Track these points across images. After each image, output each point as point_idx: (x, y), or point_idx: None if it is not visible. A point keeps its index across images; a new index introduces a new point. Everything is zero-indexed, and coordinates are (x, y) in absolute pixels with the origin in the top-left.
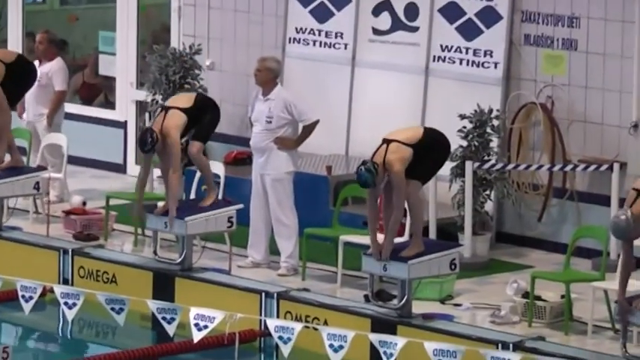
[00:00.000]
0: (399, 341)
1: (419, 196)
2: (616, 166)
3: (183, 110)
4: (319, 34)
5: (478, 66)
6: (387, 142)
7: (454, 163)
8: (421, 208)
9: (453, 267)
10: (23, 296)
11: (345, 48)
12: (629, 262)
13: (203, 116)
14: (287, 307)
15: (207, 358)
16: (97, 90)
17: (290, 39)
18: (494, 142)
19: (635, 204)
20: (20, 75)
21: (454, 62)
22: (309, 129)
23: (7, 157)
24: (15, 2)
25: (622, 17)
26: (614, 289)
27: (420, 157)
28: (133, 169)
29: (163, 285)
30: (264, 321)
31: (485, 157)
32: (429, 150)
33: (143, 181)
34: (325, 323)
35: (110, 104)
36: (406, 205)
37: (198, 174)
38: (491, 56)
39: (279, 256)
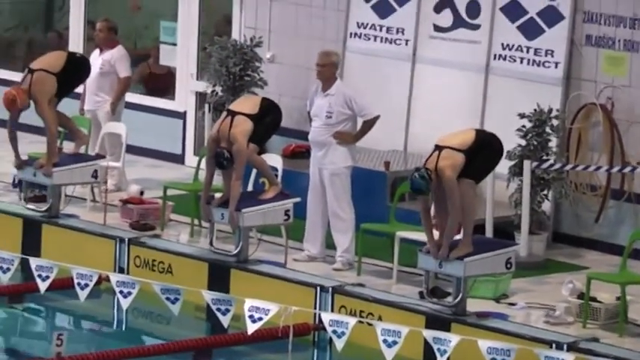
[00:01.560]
0: (453, 339)
1: (472, 195)
2: None
3: (250, 117)
4: (380, 30)
5: (539, 65)
6: (439, 148)
7: (512, 162)
8: (473, 209)
9: (508, 266)
10: (79, 284)
11: (406, 44)
12: None
13: (265, 120)
14: (342, 301)
15: (261, 351)
16: (164, 81)
17: (351, 34)
18: (553, 142)
19: None
20: (73, 74)
21: (515, 61)
22: (369, 124)
23: (71, 146)
24: None
25: None
26: None
27: (472, 161)
28: (191, 159)
29: (219, 276)
30: (319, 315)
31: (544, 157)
32: (481, 153)
33: (208, 184)
34: (379, 319)
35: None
36: None
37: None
38: (552, 56)
39: (335, 250)
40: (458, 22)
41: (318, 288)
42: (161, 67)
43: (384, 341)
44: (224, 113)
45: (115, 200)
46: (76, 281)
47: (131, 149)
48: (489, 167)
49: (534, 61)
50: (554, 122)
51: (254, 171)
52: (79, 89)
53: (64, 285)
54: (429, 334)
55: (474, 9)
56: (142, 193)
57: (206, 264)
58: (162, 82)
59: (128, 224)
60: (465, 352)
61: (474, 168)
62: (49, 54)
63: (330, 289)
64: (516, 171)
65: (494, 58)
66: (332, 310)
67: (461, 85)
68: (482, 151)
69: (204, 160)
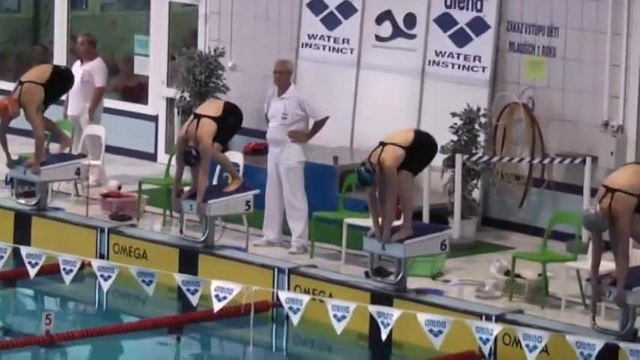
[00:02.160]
0: (395, 312)
1: (409, 185)
2: (588, 159)
3: (214, 119)
4: (328, 40)
5: (468, 70)
6: (382, 144)
7: (446, 155)
8: (411, 197)
9: (443, 247)
10: (64, 269)
11: (351, 52)
12: (598, 250)
13: (227, 121)
14: (297, 281)
15: (226, 326)
16: (137, 90)
17: (303, 44)
18: (482, 137)
19: (604, 199)
20: (58, 84)
21: (447, 66)
22: (319, 124)
23: (57, 147)
24: (60, 8)
25: (596, 27)
26: (585, 268)
27: (412, 156)
28: (163, 157)
29: (188, 260)
30: (277, 293)
31: (473, 151)
32: (419, 150)
33: (178, 179)
34: (330, 296)
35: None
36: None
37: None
38: (480, 61)
39: (290, 236)
40: (396, 33)
41: (276, 269)
42: (132, 80)
43: (335, 316)
44: (191, 116)
45: (96, 194)
46: (62, 267)
47: (110, 149)
48: (426, 162)
49: (464, 66)
50: (482, 120)
51: (218, 167)
52: (63, 97)
53: (51, 270)
54: (373, 309)
55: (410, 20)
56: (119, 187)
57: (177, 250)
58: (134, 92)
59: (108, 215)
60: (406, 324)
61: (413, 162)
62: (37, 67)
63: (287, 270)
64: (449, 163)
65: (429, 64)
66: (288, 289)
67: (400, 88)
68: (420, 148)
69: (174, 158)
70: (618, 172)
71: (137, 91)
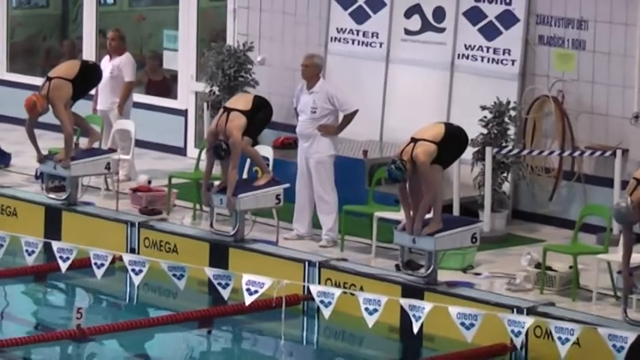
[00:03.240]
0: (426, 306)
1: (440, 179)
2: (619, 152)
3: (244, 113)
4: (357, 34)
5: (497, 63)
6: (414, 140)
7: (476, 149)
8: (441, 190)
9: (474, 240)
10: (96, 263)
11: (380, 46)
12: (629, 242)
13: (257, 115)
14: (327, 274)
15: (257, 320)
16: (162, 86)
17: (332, 38)
18: (511, 131)
19: (634, 192)
20: (86, 80)
21: (476, 60)
22: (348, 118)
23: (86, 141)
24: (89, 3)
25: (625, 20)
26: (616, 260)
27: (443, 150)
28: (192, 151)
29: (219, 254)
30: (308, 287)
31: (503, 144)
32: (451, 144)
33: (208, 173)
34: (361, 289)
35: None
36: None
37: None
38: (509, 54)
39: (320, 229)
40: (426, 26)
41: (307, 263)
42: (157, 74)
43: (366, 309)
44: (221, 110)
45: (126, 189)
46: (93, 261)
47: (139, 143)
48: (456, 156)
49: (493, 59)
50: (512, 113)
51: (248, 161)
52: (92, 92)
53: (82, 265)
54: (405, 302)
55: (439, 14)
56: (149, 182)
57: (207, 244)
58: (159, 87)
59: (138, 210)
60: (437, 317)
61: (444, 157)
62: (65, 63)
63: (317, 264)
64: (479, 156)
65: (459, 57)
66: (319, 283)
67: (429, 82)
68: (452, 142)
69: (204, 152)
70: None
71: (161, 89)
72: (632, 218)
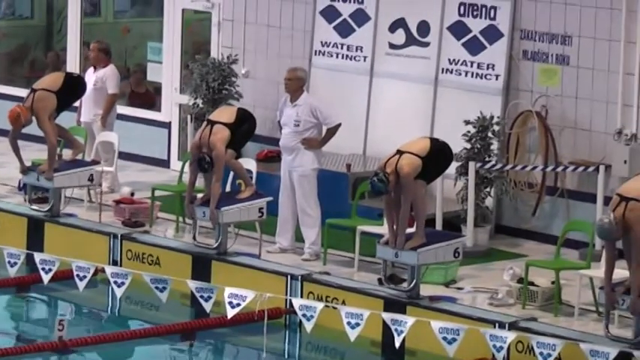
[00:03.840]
0: (409, 320)
1: (423, 193)
2: (602, 167)
3: (227, 125)
4: (342, 48)
5: (481, 78)
6: (400, 152)
7: (459, 163)
8: (424, 205)
9: (456, 255)
10: (78, 275)
11: (365, 60)
12: (612, 258)
13: (241, 128)
14: (310, 288)
15: (239, 333)
16: (145, 98)
17: (316, 51)
18: (495, 145)
19: (617, 208)
20: (70, 92)
21: (460, 74)
22: (332, 131)
23: (70, 153)
24: (74, 15)
25: (609, 36)
26: (598, 276)
27: (428, 165)
28: (176, 164)
29: (201, 267)
30: (290, 300)
31: (487, 158)
32: (435, 159)
33: (191, 185)
34: (343, 303)
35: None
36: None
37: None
38: (493, 69)
39: (303, 243)
40: (410, 40)
41: (289, 276)
42: (140, 87)
43: (348, 323)
44: (204, 123)
45: (109, 201)
46: (75, 273)
47: (122, 155)
48: (440, 171)
49: (477, 74)
50: (496, 128)
51: (231, 174)
52: (76, 103)
53: (64, 276)
54: (387, 316)
55: (424, 28)
56: (132, 194)
57: (190, 256)
58: (142, 99)
59: (121, 222)
60: (420, 331)
61: (428, 172)
62: (50, 75)
63: (300, 277)
64: (462, 171)
65: (442, 72)
66: (301, 296)
67: (413, 96)
68: (436, 157)
69: (187, 165)
70: (632, 181)
71: (144, 101)
72: (615, 234)
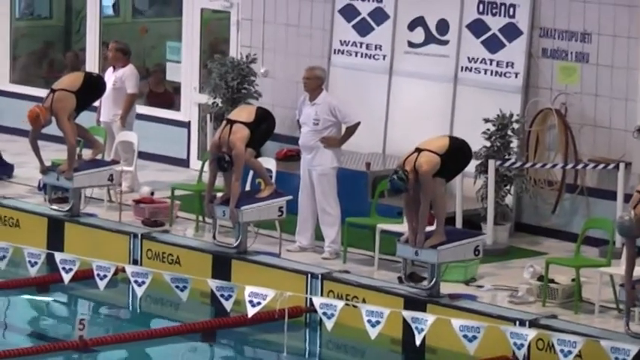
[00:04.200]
0: (429, 318)
1: (442, 191)
2: (622, 165)
3: (247, 124)
4: (361, 46)
5: (501, 76)
6: (418, 150)
7: (479, 161)
8: (444, 203)
9: (476, 253)
10: (98, 275)
11: (384, 59)
12: (632, 255)
13: (260, 127)
14: (330, 286)
15: (260, 331)
16: (164, 98)
17: (335, 50)
18: (514, 143)
19: (638, 205)
20: (90, 92)
21: (480, 72)
22: (351, 130)
23: (89, 153)
24: (93, 15)
25: (628, 33)
26: (618, 273)
27: (446, 163)
28: (195, 163)
29: (221, 266)
30: (310, 299)
31: (506, 157)
32: (454, 157)
33: (211, 185)
34: (364, 301)
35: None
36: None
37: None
38: (513, 67)
39: (323, 241)
40: (429, 39)
41: (309, 275)
42: (159, 87)
43: (369, 321)
44: (224, 122)
45: (129, 200)
46: (95, 272)
47: (142, 155)
48: (459, 169)
49: (497, 72)
50: (515, 126)
51: (251, 173)
52: (96, 103)
53: (85, 276)
54: (407, 314)
55: (443, 27)
56: (152, 193)
57: (210, 255)
58: (161, 99)
59: (141, 221)
60: (440, 329)
61: (447, 169)
62: (69, 75)
63: (320, 276)
64: (482, 169)
65: (462, 70)
66: (321, 295)
67: (432, 95)
68: (455, 155)
69: (207, 164)
70: None
71: (162, 101)
72: (635, 232)
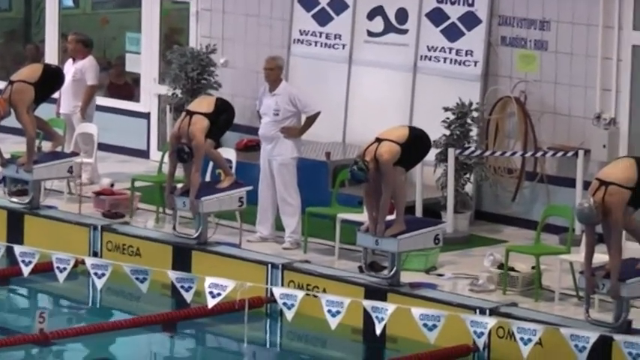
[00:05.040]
0: (389, 307)
1: (402, 180)
2: (581, 152)
3: (206, 115)
4: (320, 36)
5: (460, 64)
6: (378, 140)
7: (438, 150)
8: (404, 192)
9: (436, 241)
10: (58, 267)
11: (343, 48)
12: (592, 242)
13: (219, 117)
14: (290, 276)
15: (220, 322)
16: (124, 90)
17: (294, 40)
18: (474, 132)
19: (597, 192)
20: (49, 83)
21: (439, 61)
22: (311, 119)
23: (49, 145)
24: (52, 6)
25: (587, 21)
26: (578, 261)
27: (406, 152)
28: (156, 154)
29: (182, 257)
30: (271, 289)
31: (466, 145)
32: (414, 146)
33: (171, 176)
34: (324, 291)
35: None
36: None
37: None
38: (472, 55)
39: (283, 231)
40: (388, 28)
41: (270, 265)
42: (120, 79)
43: (329, 311)
44: (183, 113)
45: (89, 192)
46: (55, 265)
47: (102, 147)
48: (419, 159)
49: (456, 60)
50: (475, 114)
51: (211, 163)
52: (55, 95)
53: (45, 268)
54: (368, 303)
55: (402, 15)
56: (112, 185)
57: (170, 247)
58: (121, 91)
59: (101, 213)
60: (400, 318)
61: (407, 159)
62: (28, 66)
63: (280, 266)
64: (442, 158)
65: (421, 59)
66: (282, 285)
67: (392, 84)
68: (415, 144)
69: (167, 155)
70: (612, 166)
71: (123, 93)
72: (595, 219)
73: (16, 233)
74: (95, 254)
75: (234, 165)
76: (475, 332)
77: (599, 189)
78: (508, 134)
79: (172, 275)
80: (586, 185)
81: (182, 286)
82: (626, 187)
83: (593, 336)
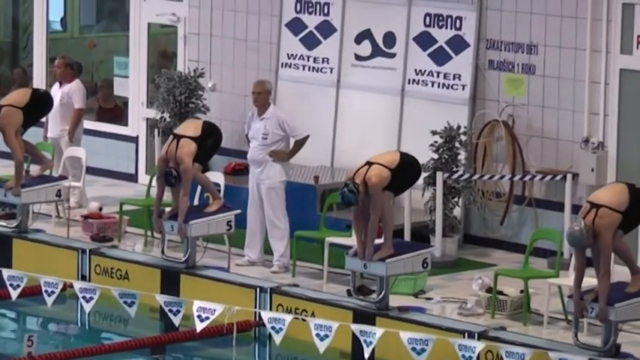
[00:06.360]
0: (378, 331)
1: (390, 205)
2: (569, 176)
3: (193, 139)
4: (308, 60)
5: (448, 88)
6: (369, 163)
7: (426, 174)
8: (392, 216)
9: (425, 265)
10: (46, 291)
11: (331, 72)
12: (581, 266)
13: (207, 141)
14: (279, 300)
15: (209, 346)
16: (113, 114)
17: (282, 64)
18: (462, 155)
19: (587, 215)
20: (37, 108)
21: (427, 85)
22: (300, 143)
23: (37, 169)
24: (39, 30)
25: (575, 45)
26: (567, 284)
27: (396, 178)
28: (144, 178)
29: (170, 281)
30: (259, 313)
31: (454, 169)
32: (404, 172)
33: (159, 199)
34: (313, 315)
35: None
36: None
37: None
38: (460, 79)
39: (272, 255)
40: (376, 52)
41: (258, 289)
42: (109, 102)
43: (317, 335)
44: (170, 137)
45: (77, 216)
46: (43, 289)
47: (90, 170)
48: (408, 185)
49: (444, 84)
50: (463, 138)
51: (199, 187)
52: (43, 119)
53: (33, 292)
54: (356, 327)
55: (390, 39)
56: (100, 209)
57: (159, 270)
58: (111, 115)
59: (89, 237)
60: (389, 342)
61: (396, 184)
62: (16, 91)
63: (269, 290)
64: (430, 181)
65: (409, 83)
66: (270, 309)
67: (380, 107)
68: (405, 170)
69: (155, 179)
70: (604, 189)
71: (111, 116)
72: (585, 242)
73: (4, 257)
74: (83, 278)
75: (222, 188)
76: (463, 356)
77: (590, 211)
78: (496, 158)
79: (161, 299)
80: (574, 209)
81: (170, 310)
82: (617, 211)
83: None
